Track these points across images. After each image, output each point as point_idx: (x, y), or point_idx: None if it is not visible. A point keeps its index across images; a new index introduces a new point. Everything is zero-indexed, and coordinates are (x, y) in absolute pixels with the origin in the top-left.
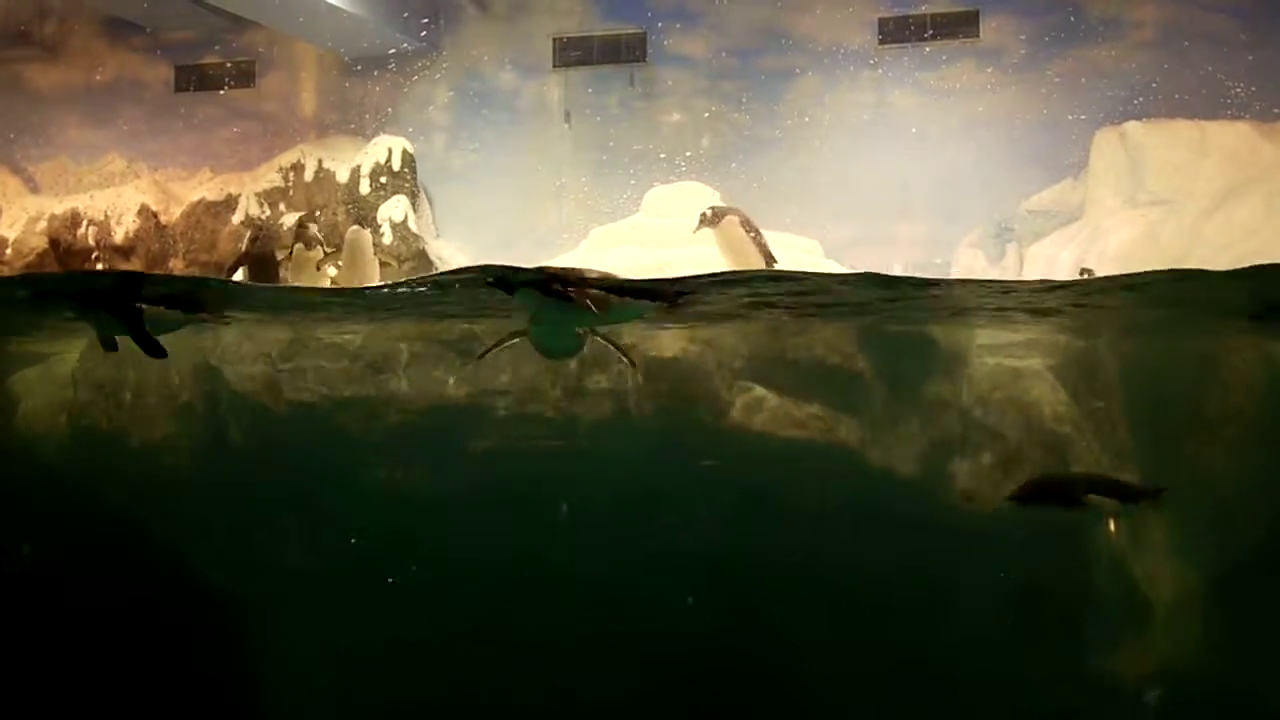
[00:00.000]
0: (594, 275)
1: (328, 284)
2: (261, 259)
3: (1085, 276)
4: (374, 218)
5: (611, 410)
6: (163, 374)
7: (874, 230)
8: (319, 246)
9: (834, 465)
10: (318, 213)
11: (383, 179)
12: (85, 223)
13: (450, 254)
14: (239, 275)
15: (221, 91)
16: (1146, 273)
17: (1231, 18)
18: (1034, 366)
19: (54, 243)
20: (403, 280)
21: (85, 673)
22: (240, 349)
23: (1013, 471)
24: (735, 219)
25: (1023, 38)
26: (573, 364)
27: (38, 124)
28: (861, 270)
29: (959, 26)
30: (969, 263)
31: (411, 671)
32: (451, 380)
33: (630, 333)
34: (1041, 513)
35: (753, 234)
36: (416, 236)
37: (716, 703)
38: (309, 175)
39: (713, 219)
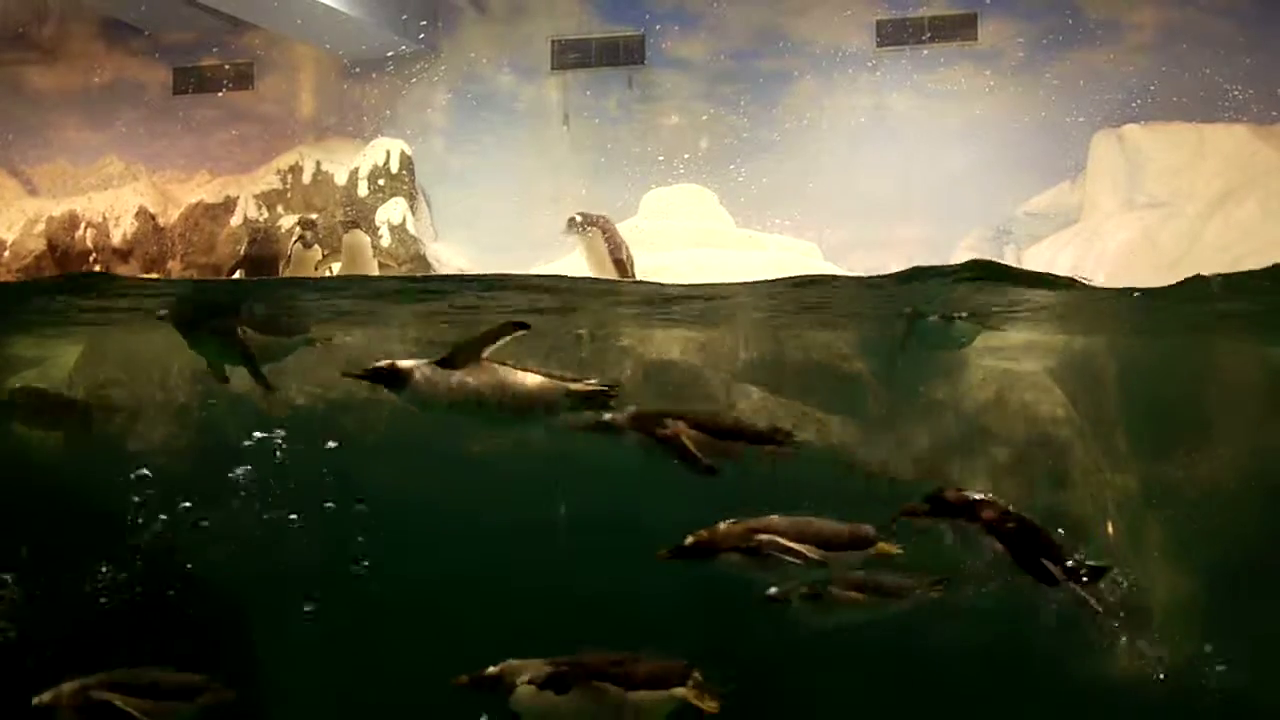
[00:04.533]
0: None
1: None
2: (260, 261)
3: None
4: (372, 220)
5: None
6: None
7: (872, 232)
8: (316, 245)
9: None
10: (316, 215)
11: (381, 181)
12: (83, 225)
13: (449, 256)
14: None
15: (220, 94)
16: None
17: (1230, 21)
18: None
19: (52, 245)
20: None
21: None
22: None
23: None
24: (599, 233)
25: (1021, 40)
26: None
27: (36, 126)
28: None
29: (957, 29)
30: None
31: (407, 676)
32: None
33: (631, 334)
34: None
35: (613, 248)
36: (415, 239)
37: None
38: (307, 177)
39: (580, 226)
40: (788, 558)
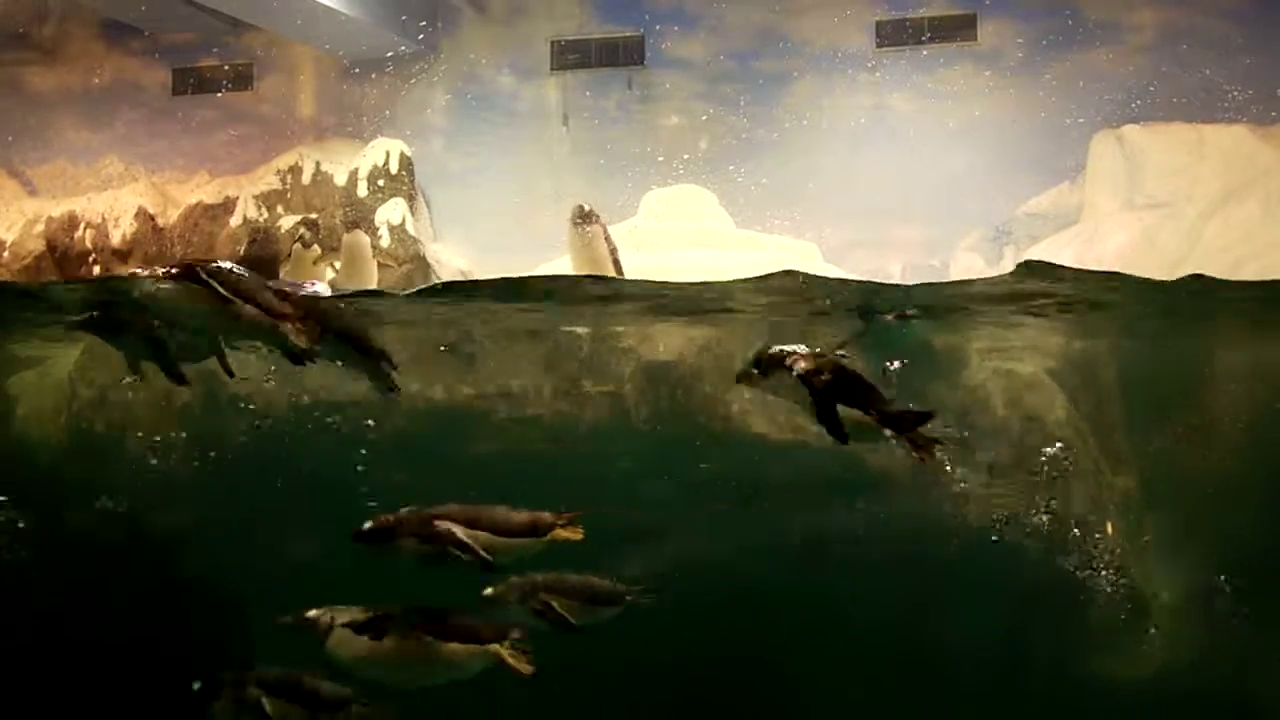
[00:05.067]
0: None
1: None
2: (260, 261)
3: None
4: (372, 220)
5: None
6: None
7: (872, 233)
8: (316, 245)
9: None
10: (316, 215)
11: (380, 181)
12: (83, 225)
13: (448, 256)
14: None
15: (219, 94)
16: None
17: (1229, 21)
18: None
19: (51, 246)
20: None
21: (81, 676)
22: None
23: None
24: (602, 231)
25: (1020, 41)
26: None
27: (35, 127)
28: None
29: (957, 30)
30: (967, 265)
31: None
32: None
33: (632, 334)
34: (1040, 516)
35: (612, 247)
36: (414, 239)
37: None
38: (307, 178)
39: (584, 222)
40: (457, 551)
